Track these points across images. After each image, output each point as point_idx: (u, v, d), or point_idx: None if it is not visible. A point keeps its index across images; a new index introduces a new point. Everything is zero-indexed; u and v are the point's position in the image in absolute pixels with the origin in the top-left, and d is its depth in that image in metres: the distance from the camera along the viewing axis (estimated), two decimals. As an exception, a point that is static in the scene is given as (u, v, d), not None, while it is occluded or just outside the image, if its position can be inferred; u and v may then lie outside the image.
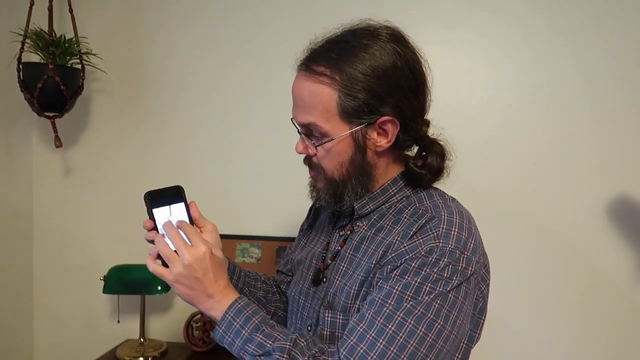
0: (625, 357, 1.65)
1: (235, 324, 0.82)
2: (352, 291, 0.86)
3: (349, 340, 0.78)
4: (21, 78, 1.61)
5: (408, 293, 0.77)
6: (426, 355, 0.76)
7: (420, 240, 0.81)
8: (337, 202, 0.92)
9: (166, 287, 1.70)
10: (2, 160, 1.76)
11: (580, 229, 1.64)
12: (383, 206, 0.92)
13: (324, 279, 0.95)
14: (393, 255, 0.82)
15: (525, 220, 1.67)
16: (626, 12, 1.58)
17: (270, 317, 0.87)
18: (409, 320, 0.76)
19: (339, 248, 0.95)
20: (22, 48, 1.61)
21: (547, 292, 1.67)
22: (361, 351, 0.76)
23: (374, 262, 0.85)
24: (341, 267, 0.92)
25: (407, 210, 0.89)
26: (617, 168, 1.62)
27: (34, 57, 1.65)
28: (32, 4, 1.61)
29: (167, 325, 1.87)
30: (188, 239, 0.84)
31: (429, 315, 0.76)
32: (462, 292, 0.80)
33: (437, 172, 0.90)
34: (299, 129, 0.91)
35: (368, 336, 0.76)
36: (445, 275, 0.78)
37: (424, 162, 0.90)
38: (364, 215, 0.93)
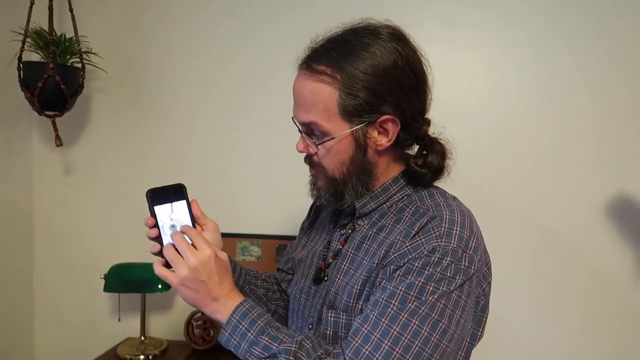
0: (625, 356, 1.65)
1: (240, 327, 0.82)
2: (354, 290, 0.86)
3: (354, 342, 0.78)
4: (21, 77, 1.61)
5: (412, 293, 0.78)
6: (431, 355, 0.76)
7: (423, 240, 0.81)
8: (337, 200, 0.92)
9: (167, 286, 1.70)
10: (2, 159, 1.76)
11: (580, 228, 1.65)
12: (384, 205, 0.92)
13: (325, 278, 0.95)
14: (395, 255, 0.83)
15: (525, 219, 1.67)
16: (626, 11, 1.59)
17: (270, 315, 0.87)
18: (414, 321, 0.76)
19: (340, 247, 0.95)
20: (23, 47, 1.61)
21: (547, 291, 1.68)
22: (366, 352, 0.76)
23: (376, 261, 0.85)
24: (343, 266, 0.92)
25: (408, 209, 0.89)
26: (617, 167, 1.62)
27: (34, 56, 1.65)
28: (32, 3, 1.61)
29: (167, 324, 1.87)
30: (192, 242, 0.84)
31: (433, 315, 0.77)
32: (465, 291, 0.80)
33: (438, 171, 0.91)
34: (300, 127, 0.91)
35: (373, 337, 0.77)
36: (449, 274, 0.79)
37: (425, 161, 0.90)
38: (365, 214, 0.93)
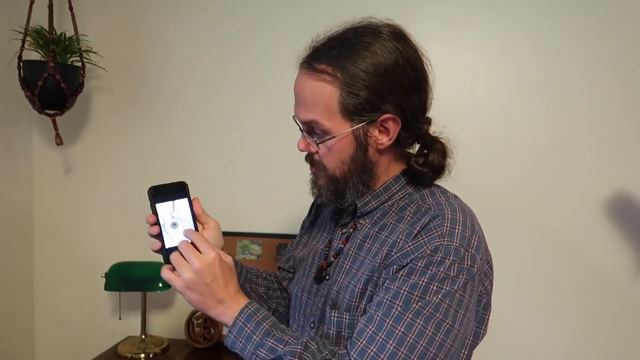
0: (625, 356, 1.65)
1: (246, 329, 0.82)
2: (357, 290, 0.87)
3: (359, 343, 0.78)
4: (22, 76, 1.62)
5: (416, 293, 0.78)
6: (435, 354, 0.76)
7: (425, 239, 0.81)
8: (338, 199, 0.92)
9: (167, 285, 1.70)
10: (2, 158, 1.77)
11: (580, 228, 1.65)
12: (385, 204, 0.92)
13: (327, 277, 0.95)
14: (398, 254, 0.83)
15: (525, 218, 1.67)
16: (626, 11, 1.59)
17: (271, 313, 0.87)
18: (418, 321, 0.76)
19: (342, 246, 0.95)
20: (23, 46, 1.61)
21: (547, 290, 1.68)
22: (372, 353, 0.76)
23: (378, 261, 0.85)
24: (345, 265, 0.92)
25: (409, 208, 0.89)
26: (617, 166, 1.62)
27: (34, 55, 1.65)
28: (32, 2, 1.61)
29: (168, 322, 1.87)
30: (196, 246, 0.85)
31: (438, 315, 0.77)
32: (468, 290, 0.81)
33: (439, 170, 0.91)
34: (301, 126, 0.91)
35: (378, 338, 0.77)
36: (452, 274, 0.79)
37: (426, 160, 0.90)
38: (367, 213, 0.93)
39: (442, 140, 0.92)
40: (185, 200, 0.90)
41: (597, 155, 1.63)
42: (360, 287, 0.86)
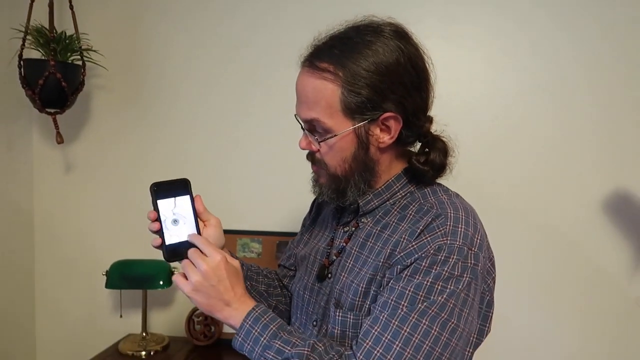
0: (625, 355, 1.66)
1: (253, 331, 0.83)
2: (360, 289, 0.87)
3: (365, 344, 0.78)
4: (22, 74, 1.61)
5: (420, 293, 0.78)
6: (441, 354, 0.77)
7: (429, 239, 0.82)
8: (339, 197, 0.93)
9: (168, 282, 1.71)
10: (3, 157, 1.77)
11: (580, 227, 1.65)
12: (387, 202, 0.93)
13: (329, 275, 0.95)
14: (402, 254, 0.83)
15: (525, 218, 1.68)
16: (626, 10, 1.59)
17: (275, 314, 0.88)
18: (424, 321, 0.77)
19: (344, 244, 0.95)
20: (23, 44, 1.61)
21: (547, 289, 1.69)
22: (378, 354, 0.76)
23: (381, 260, 0.86)
24: (347, 264, 0.92)
25: (411, 207, 0.89)
26: (617, 166, 1.63)
27: (34, 54, 1.65)
28: (32, 1, 1.61)
29: (168, 320, 1.88)
30: (201, 250, 0.85)
31: (443, 314, 0.77)
32: (472, 289, 0.81)
33: (440, 168, 0.91)
34: (302, 124, 0.91)
35: (384, 339, 0.77)
36: (456, 273, 0.79)
37: (427, 158, 0.91)
38: (369, 212, 0.94)
39: (444, 139, 0.93)
40: (187, 197, 0.90)
41: (597, 155, 1.64)
42: (364, 286, 0.86)
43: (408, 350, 0.76)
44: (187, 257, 0.88)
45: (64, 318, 1.92)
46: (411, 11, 1.65)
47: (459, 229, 0.82)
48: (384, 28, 0.86)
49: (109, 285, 1.71)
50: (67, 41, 1.65)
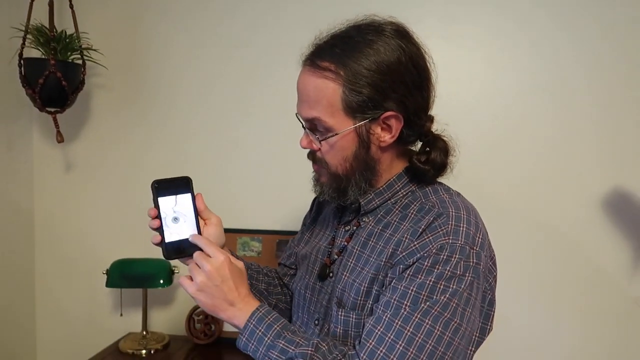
0: (625, 355, 1.66)
1: (257, 331, 0.83)
2: (362, 288, 0.87)
3: (368, 344, 0.78)
4: (22, 74, 1.62)
5: (423, 293, 0.78)
6: (444, 353, 0.77)
7: (430, 238, 0.82)
8: (340, 196, 0.93)
9: (168, 281, 1.71)
10: (3, 156, 1.77)
11: (580, 226, 1.65)
12: (389, 201, 0.93)
13: (331, 274, 0.96)
14: (404, 254, 0.83)
15: (525, 217, 1.68)
16: (627, 9, 1.59)
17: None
18: (427, 320, 0.77)
19: (345, 243, 0.95)
20: (24, 44, 1.61)
21: (548, 289, 1.68)
22: (381, 354, 0.77)
23: (383, 259, 0.86)
24: (349, 263, 0.92)
25: (413, 206, 0.90)
26: (617, 165, 1.63)
27: (35, 53, 1.65)
28: (32, 0, 1.61)
29: (169, 318, 1.88)
30: (205, 251, 0.86)
31: (446, 314, 0.78)
32: (475, 288, 0.81)
33: (441, 167, 0.91)
34: (304, 123, 0.91)
35: (387, 339, 0.77)
36: (458, 272, 0.79)
37: (428, 157, 0.91)
38: (370, 211, 0.94)
39: (445, 138, 0.93)
40: (189, 195, 0.90)
41: (598, 154, 1.63)
42: (366, 285, 0.87)
43: (411, 349, 0.76)
44: (186, 255, 0.88)
45: (65, 317, 1.92)
46: (411, 11, 1.65)
47: (461, 228, 0.82)
48: (386, 27, 0.86)
49: (109, 284, 1.71)
50: (67, 40, 1.65)
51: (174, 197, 0.88)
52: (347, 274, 0.91)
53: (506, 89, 1.67)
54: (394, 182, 0.93)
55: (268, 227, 1.81)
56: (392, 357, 0.76)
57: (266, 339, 0.82)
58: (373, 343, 0.78)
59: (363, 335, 0.81)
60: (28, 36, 1.61)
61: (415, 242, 0.83)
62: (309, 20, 1.56)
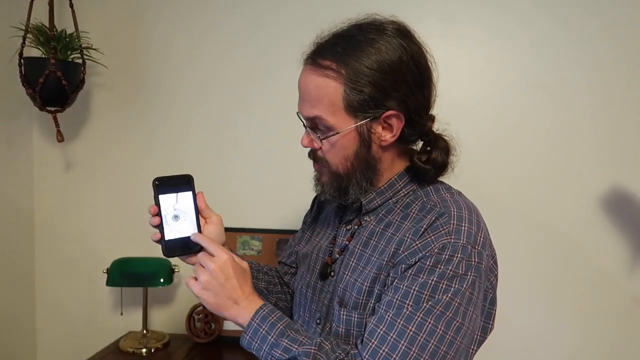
0: (625, 355, 1.66)
1: (261, 330, 0.83)
2: (364, 287, 0.87)
3: (370, 343, 0.79)
4: (22, 73, 1.61)
5: (425, 292, 0.79)
6: (446, 352, 0.77)
7: (432, 237, 0.82)
8: (341, 195, 0.93)
9: (169, 280, 1.72)
10: (3, 155, 1.76)
11: (580, 226, 1.66)
12: (390, 201, 0.93)
13: (332, 273, 0.96)
14: (406, 253, 0.83)
15: (525, 217, 1.68)
16: (627, 9, 1.59)
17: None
18: (429, 320, 0.77)
19: (347, 242, 0.95)
20: (24, 43, 1.61)
21: (548, 289, 1.69)
22: (383, 353, 0.77)
23: (385, 259, 0.86)
24: (350, 263, 0.92)
25: (414, 205, 0.90)
26: (617, 165, 1.63)
27: (35, 52, 1.65)
28: (32, -1, 1.62)
29: (169, 317, 1.88)
30: (208, 250, 0.86)
31: (448, 313, 0.78)
32: (476, 287, 0.81)
33: (442, 167, 0.91)
34: (305, 122, 0.91)
35: (389, 338, 0.78)
36: (460, 271, 0.80)
37: (429, 157, 0.91)
38: (372, 210, 0.94)
39: (446, 138, 0.93)
40: (190, 193, 0.90)
41: (598, 154, 1.64)
42: (368, 284, 0.87)
43: (414, 349, 0.76)
44: (186, 253, 0.88)
45: (65, 316, 1.92)
46: (411, 11, 1.64)
47: (463, 228, 0.83)
48: (387, 26, 0.86)
49: (109, 283, 1.71)
50: (67, 39, 1.64)
51: (175, 194, 0.88)
52: (349, 273, 0.91)
53: (506, 89, 1.67)
54: (395, 182, 0.93)
55: (268, 226, 1.81)
56: (394, 356, 0.76)
57: (270, 337, 0.82)
58: (375, 342, 0.78)
59: (365, 335, 0.81)
60: (28, 35, 1.61)
61: (417, 242, 0.83)
62: (309, 19, 1.56)
